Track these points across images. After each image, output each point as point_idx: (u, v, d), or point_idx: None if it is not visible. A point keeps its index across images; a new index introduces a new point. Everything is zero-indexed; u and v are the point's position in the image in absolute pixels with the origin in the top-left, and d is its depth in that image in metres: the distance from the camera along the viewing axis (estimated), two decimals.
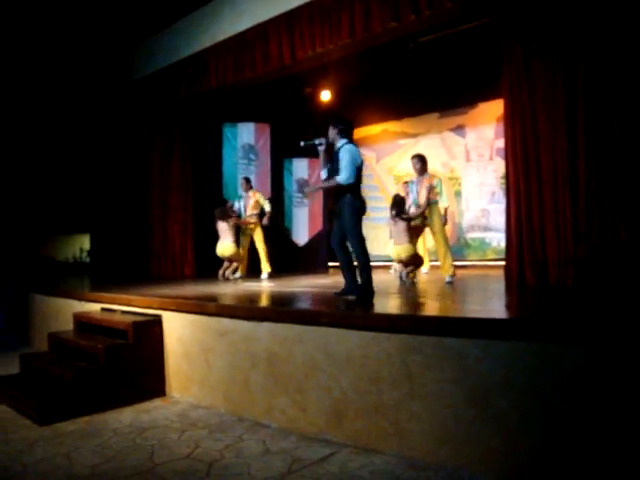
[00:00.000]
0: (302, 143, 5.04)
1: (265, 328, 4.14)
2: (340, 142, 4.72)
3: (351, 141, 4.74)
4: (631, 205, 4.60)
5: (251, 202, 8.24)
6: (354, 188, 4.57)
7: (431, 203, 6.46)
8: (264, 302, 5.17)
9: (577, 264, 4.88)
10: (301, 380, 3.87)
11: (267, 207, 8.15)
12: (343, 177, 4.50)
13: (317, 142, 4.85)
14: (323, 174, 4.88)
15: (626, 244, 4.60)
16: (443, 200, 6.51)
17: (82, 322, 5.57)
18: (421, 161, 6.66)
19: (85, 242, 12.34)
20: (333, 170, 4.64)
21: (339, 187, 4.56)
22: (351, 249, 4.71)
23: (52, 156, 10.88)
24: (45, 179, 11.10)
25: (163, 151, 9.55)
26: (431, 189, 6.45)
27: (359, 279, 4.66)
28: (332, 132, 4.81)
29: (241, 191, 8.56)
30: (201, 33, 8.40)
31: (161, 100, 9.30)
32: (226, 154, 9.80)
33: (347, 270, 4.83)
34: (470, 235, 10.51)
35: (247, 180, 8.56)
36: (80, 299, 6.21)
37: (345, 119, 4.92)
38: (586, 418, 2.78)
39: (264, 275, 8.20)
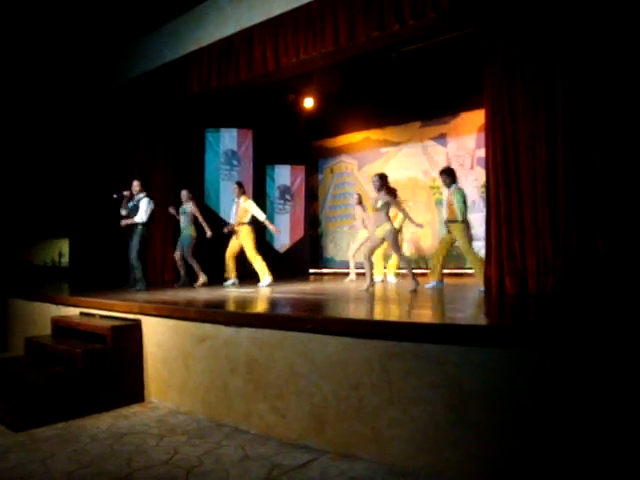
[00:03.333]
0: (115, 195, 7.55)
1: (245, 333, 4.13)
2: (140, 195, 7.34)
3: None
4: (609, 215, 4.68)
5: (240, 208, 7.93)
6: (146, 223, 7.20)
7: (452, 221, 6.52)
8: (244, 307, 5.15)
9: (556, 273, 4.94)
10: (281, 386, 3.86)
11: (261, 216, 7.84)
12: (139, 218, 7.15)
13: (124, 193, 7.47)
14: (123, 212, 7.45)
15: (604, 254, 4.67)
16: (466, 213, 6.51)
17: (60, 326, 5.51)
18: (449, 176, 6.65)
19: (64, 246, 12.21)
20: (132, 211, 7.29)
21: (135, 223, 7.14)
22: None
23: (30, 159, 10.74)
24: (23, 182, 10.95)
25: (145, 155, 9.50)
26: (457, 204, 6.45)
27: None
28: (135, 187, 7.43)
29: (233, 196, 8.26)
30: (185, 38, 8.38)
31: (144, 104, 9.24)
32: (208, 160, 9.78)
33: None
34: None
35: (239, 185, 8.23)
36: (58, 303, 6.14)
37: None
38: (562, 423, 2.81)
39: (265, 282, 7.74)
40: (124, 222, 7.25)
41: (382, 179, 6.51)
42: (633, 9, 4.56)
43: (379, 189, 6.45)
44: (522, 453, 2.91)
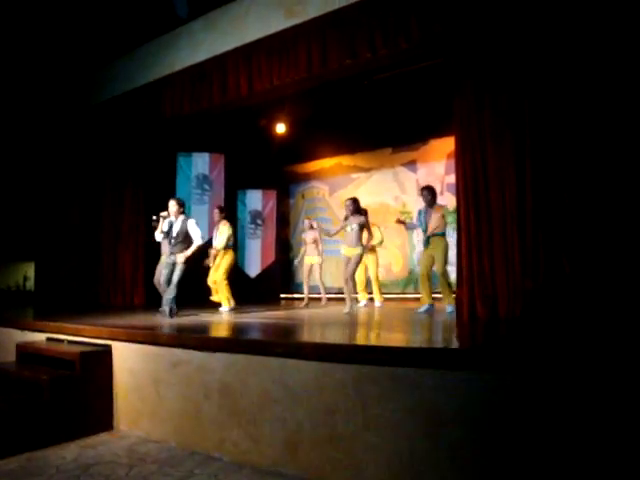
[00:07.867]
0: (154, 217, 6.79)
1: (219, 359, 4.08)
2: (181, 216, 6.70)
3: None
4: (575, 239, 4.79)
5: (219, 232, 7.84)
6: None
7: (437, 234, 6.68)
8: (217, 332, 5.10)
9: (525, 296, 5.02)
10: (255, 412, 3.82)
11: (220, 243, 7.75)
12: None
13: (162, 215, 6.71)
14: (160, 236, 6.79)
15: (570, 277, 4.77)
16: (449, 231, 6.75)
17: (25, 352, 5.35)
18: (431, 193, 6.89)
19: (29, 270, 11.93)
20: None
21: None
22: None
23: None
24: None
25: (116, 178, 9.43)
26: (442, 218, 6.70)
27: None
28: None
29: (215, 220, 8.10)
30: (158, 62, 8.37)
31: (116, 126, 9.17)
32: (180, 184, 9.72)
33: None
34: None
35: (221, 209, 8.13)
36: (23, 328, 5.98)
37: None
38: (538, 446, 2.83)
39: (225, 308, 7.74)
40: (189, 253, 6.53)
41: (356, 202, 6.77)
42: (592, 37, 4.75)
43: (353, 212, 6.61)
44: (498, 477, 2.91)
